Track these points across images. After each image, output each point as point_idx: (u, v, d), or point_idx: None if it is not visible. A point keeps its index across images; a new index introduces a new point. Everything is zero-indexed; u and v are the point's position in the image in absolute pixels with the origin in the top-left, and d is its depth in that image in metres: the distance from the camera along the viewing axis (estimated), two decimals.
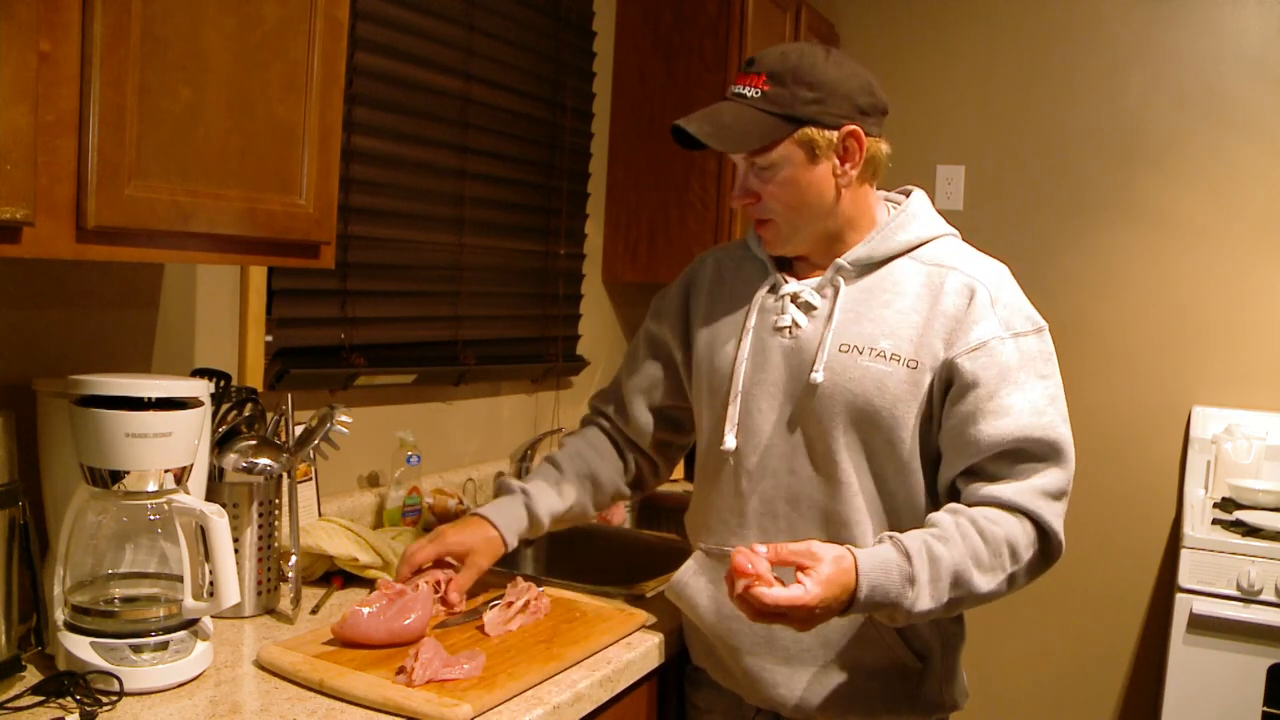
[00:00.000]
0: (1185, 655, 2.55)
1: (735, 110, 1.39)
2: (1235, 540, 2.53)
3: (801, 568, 1.23)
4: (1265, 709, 2.46)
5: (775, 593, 1.19)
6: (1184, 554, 2.57)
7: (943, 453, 1.41)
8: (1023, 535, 1.34)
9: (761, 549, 1.23)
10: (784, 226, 1.44)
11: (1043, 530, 1.35)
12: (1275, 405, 2.99)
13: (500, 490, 1.63)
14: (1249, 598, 2.49)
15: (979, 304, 1.39)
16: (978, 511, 1.33)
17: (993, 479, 1.35)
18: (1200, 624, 2.52)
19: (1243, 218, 3.04)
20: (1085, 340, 3.20)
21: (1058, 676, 3.26)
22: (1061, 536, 1.37)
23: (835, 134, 1.39)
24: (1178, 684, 2.56)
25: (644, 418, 1.66)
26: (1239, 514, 2.67)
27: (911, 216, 1.47)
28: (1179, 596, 2.56)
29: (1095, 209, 3.20)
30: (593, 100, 2.75)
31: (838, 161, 1.40)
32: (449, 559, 1.55)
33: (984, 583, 1.30)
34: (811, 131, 1.38)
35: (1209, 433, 3.01)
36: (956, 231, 1.51)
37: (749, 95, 1.39)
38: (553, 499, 1.61)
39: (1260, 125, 3.00)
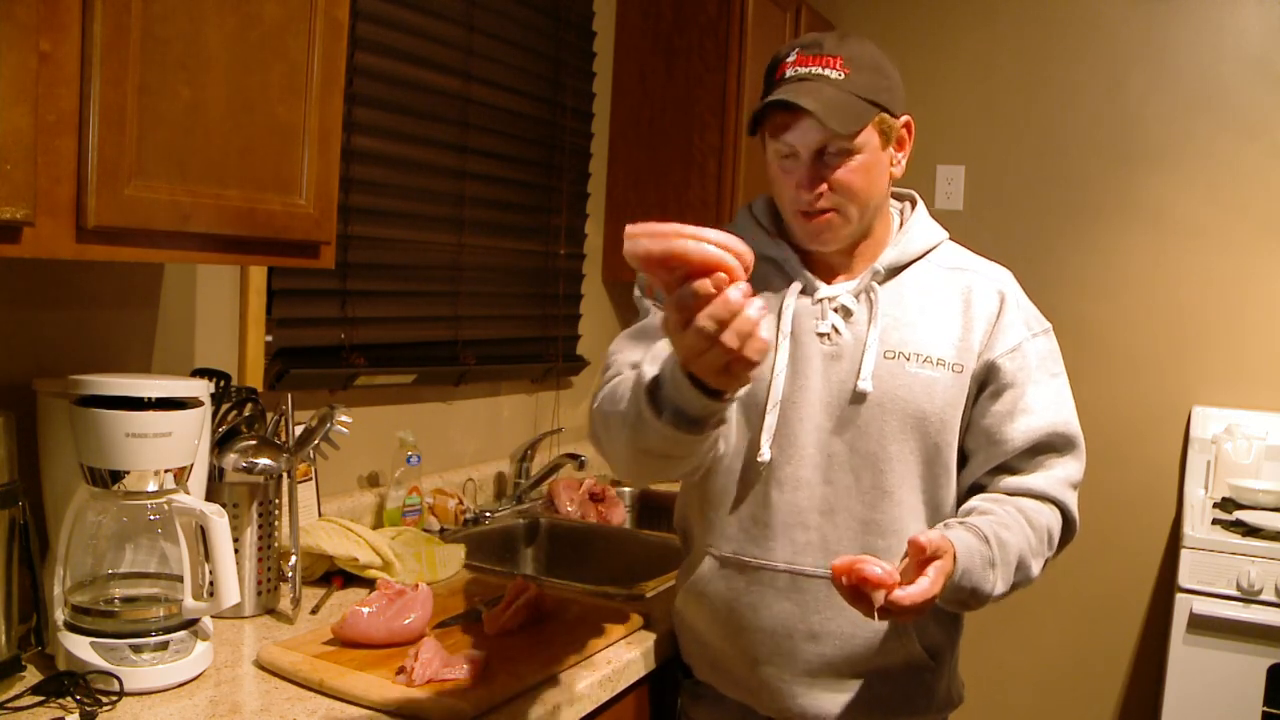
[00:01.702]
0: (1185, 655, 2.54)
1: (829, 91, 1.32)
2: (1235, 540, 2.53)
3: (929, 559, 1.17)
4: (1265, 709, 2.45)
5: (910, 592, 1.14)
6: (1184, 554, 2.57)
7: (970, 451, 1.44)
8: (1056, 523, 1.40)
9: (923, 539, 1.16)
10: (847, 216, 1.38)
11: (1068, 519, 1.43)
12: (1275, 405, 2.99)
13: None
14: (1249, 598, 2.49)
15: (1009, 306, 1.45)
16: (1019, 501, 1.39)
17: (1016, 472, 1.41)
18: (1200, 624, 2.52)
19: (1243, 218, 3.04)
20: (1085, 340, 3.20)
21: (1058, 676, 3.26)
22: (1078, 520, 1.44)
23: (899, 122, 1.41)
24: (1178, 684, 2.56)
25: None
26: (1239, 514, 2.67)
27: (922, 220, 1.50)
28: (1179, 596, 2.56)
29: (1095, 209, 3.20)
30: (593, 100, 2.75)
31: (894, 151, 1.41)
32: None
33: (1036, 567, 1.36)
34: (887, 118, 1.38)
35: (1209, 433, 3.01)
36: (948, 234, 1.53)
37: (833, 77, 1.33)
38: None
39: (1260, 125, 3.00)
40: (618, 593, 1.75)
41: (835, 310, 1.41)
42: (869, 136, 1.35)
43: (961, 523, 1.31)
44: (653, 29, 2.76)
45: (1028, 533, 1.34)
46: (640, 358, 1.33)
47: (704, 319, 0.96)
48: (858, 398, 1.38)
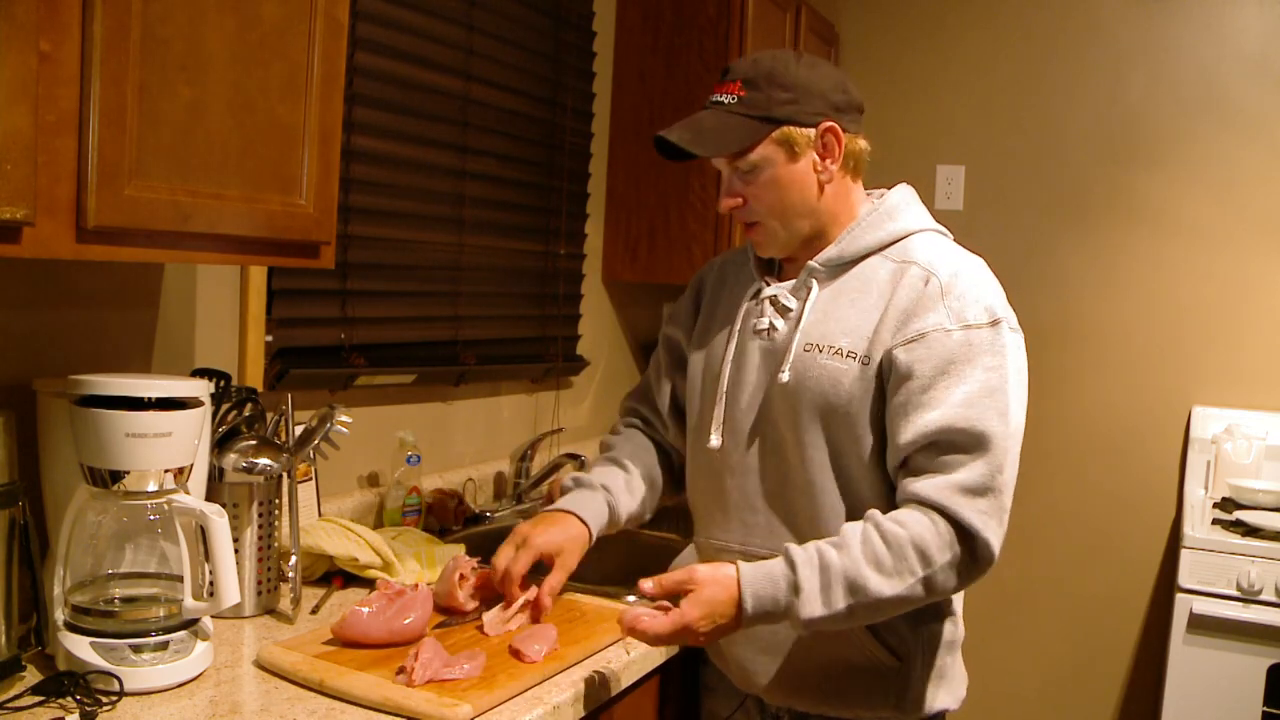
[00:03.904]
0: (1185, 655, 2.55)
1: (714, 117, 1.42)
2: (1235, 540, 2.53)
3: (684, 592, 1.30)
4: (1265, 709, 2.46)
5: (653, 623, 1.28)
6: (1184, 554, 2.57)
7: (882, 446, 1.41)
8: (934, 536, 1.29)
9: (648, 584, 1.32)
10: (771, 228, 1.46)
11: (963, 529, 1.30)
12: (1275, 405, 2.99)
13: (578, 484, 1.60)
14: (1249, 598, 2.49)
15: (929, 295, 1.37)
16: (892, 514, 1.32)
17: (919, 473, 1.33)
18: (1200, 624, 2.52)
19: (1243, 218, 3.04)
20: (1085, 340, 3.20)
21: (1058, 676, 3.26)
22: (987, 535, 1.30)
23: (813, 131, 1.41)
24: (1178, 684, 2.56)
25: (677, 422, 1.65)
26: (1239, 514, 2.67)
27: (885, 215, 1.46)
28: (1179, 596, 2.56)
29: (1096, 209, 3.20)
30: (593, 100, 2.75)
31: (818, 158, 1.42)
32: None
33: (887, 587, 1.28)
34: (790, 130, 1.40)
35: (1209, 433, 3.01)
36: (941, 228, 1.50)
37: (726, 101, 1.42)
38: (628, 499, 1.60)
39: (1260, 125, 3.00)
40: (618, 593, 1.75)
41: (775, 308, 1.48)
42: (768, 151, 1.41)
43: (787, 548, 1.31)
44: (653, 29, 2.76)
45: (878, 551, 1.28)
46: (633, 406, 1.71)
47: None
48: (778, 389, 1.43)
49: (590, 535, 1.54)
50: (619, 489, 1.59)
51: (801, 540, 1.35)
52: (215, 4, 1.21)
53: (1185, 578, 2.56)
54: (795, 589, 1.28)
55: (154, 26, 1.14)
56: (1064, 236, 3.23)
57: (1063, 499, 3.25)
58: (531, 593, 1.54)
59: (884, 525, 1.30)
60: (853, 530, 1.31)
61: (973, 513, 1.30)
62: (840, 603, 1.28)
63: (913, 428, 1.32)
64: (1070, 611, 3.24)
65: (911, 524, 1.30)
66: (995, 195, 3.31)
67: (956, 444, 1.31)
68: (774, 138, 1.40)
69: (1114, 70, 3.16)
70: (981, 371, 1.33)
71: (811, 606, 1.27)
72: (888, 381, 1.37)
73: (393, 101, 2.07)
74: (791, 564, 1.29)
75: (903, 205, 1.48)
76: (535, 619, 1.51)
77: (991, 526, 1.31)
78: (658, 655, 1.57)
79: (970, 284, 1.38)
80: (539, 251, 2.56)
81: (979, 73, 3.32)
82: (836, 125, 1.41)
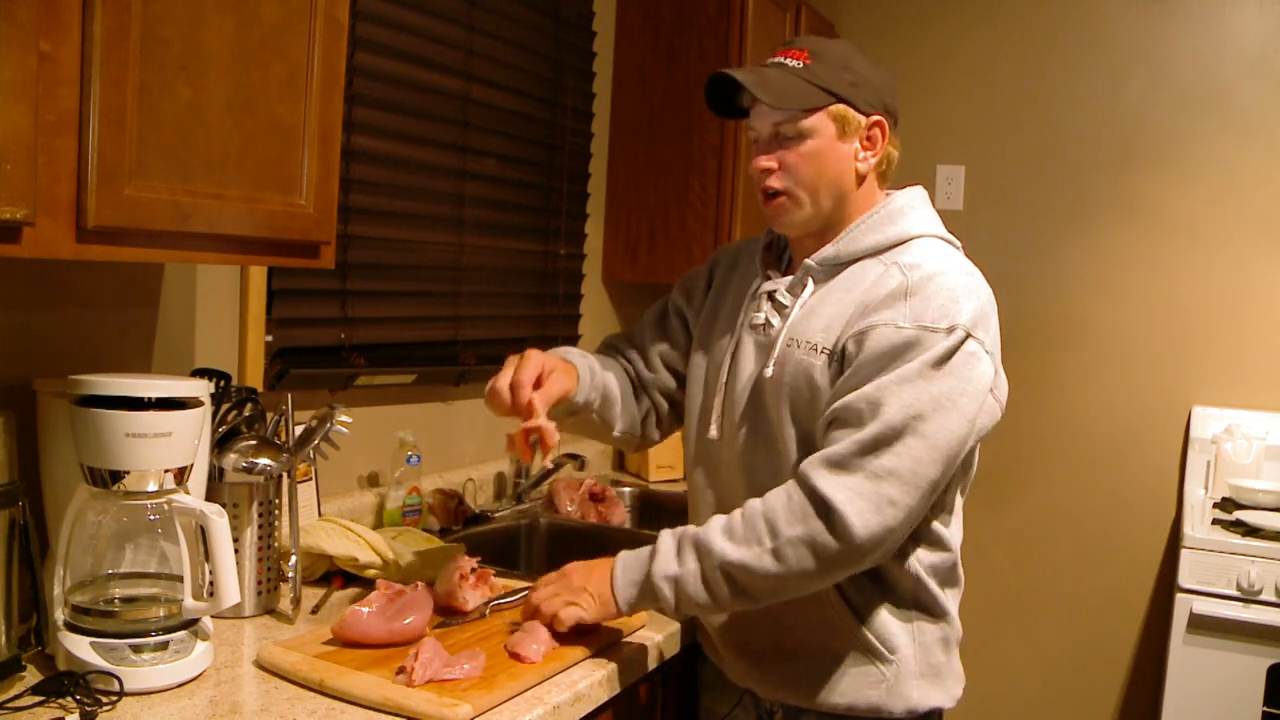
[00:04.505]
0: (1185, 655, 2.55)
1: (779, 74, 1.41)
2: (1235, 540, 2.53)
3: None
4: (1265, 709, 2.46)
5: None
6: (1184, 554, 2.57)
7: None
8: (785, 507, 1.30)
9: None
10: (799, 200, 1.44)
11: (819, 500, 1.28)
12: (1275, 405, 2.99)
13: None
14: (1249, 598, 2.49)
15: (894, 293, 1.36)
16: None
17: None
18: (1200, 624, 2.52)
19: (1243, 218, 3.04)
20: (1085, 340, 3.20)
21: (1058, 676, 3.26)
22: (845, 510, 1.26)
23: (865, 119, 1.44)
24: (1178, 684, 2.56)
25: (664, 371, 1.67)
26: (1239, 514, 2.67)
27: (886, 218, 1.45)
28: (1179, 596, 2.56)
29: (1095, 209, 3.20)
30: (593, 100, 2.75)
31: (860, 147, 1.45)
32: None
33: (732, 551, 1.32)
34: (846, 110, 1.42)
35: (1209, 433, 3.01)
36: (949, 236, 1.48)
37: (790, 65, 1.41)
38: (602, 376, 1.60)
39: (1260, 125, 3.00)
40: None
41: (771, 303, 1.49)
42: (821, 123, 1.42)
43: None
44: (653, 29, 2.77)
45: (732, 521, 1.35)
46: (612, 342, 1.72)
47: None
48: (764, 383, 1.46)
49: (577, 374, 1.54)
50: (592, 364, 1.60)
51: None
52: (215, 4, 1.21)
53: (1185, 578, 2.56)
54: (653, 553, 1.39)
55: (154, 26, 1.14)
56: (1064, 236, 3.23)
57: (1063, 499, 3.25)
58: (533, 423, 1.44)
59: (749, 502, 1.36)
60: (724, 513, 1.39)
61: (832, 485, 1.28)
62: (690, 562, 1.35)
63: (825, 411, 1.36)
64: (1070, 611, 3.24)
65: (771, 497, 1.34)
66: (995, 195, 3.31)
67: (845, 420, 1.31)
68: (831, 111, 1.41)
69: (1114, 70, 3.16)
70: (915, 366, 1.30)
71: (664, 563, 1.37)
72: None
73: (393, 101, 2.07)
74: (656, 537, 1.41)
75: (907, 209, 1.46)
76: (547, 448, 1.44)
77: (856, 505, 1.27)
78: (657, 655, 1.57)
79: (942, 290, 1.34)
80: (539, 251, 2.56)
81: (979, 73, 3.32)
82: (885, 121, 1.45)
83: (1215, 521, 2.67)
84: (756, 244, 1.61)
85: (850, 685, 1.45)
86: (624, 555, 1.43)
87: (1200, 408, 3.05)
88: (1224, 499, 2.87)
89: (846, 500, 1.27)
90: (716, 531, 1.35)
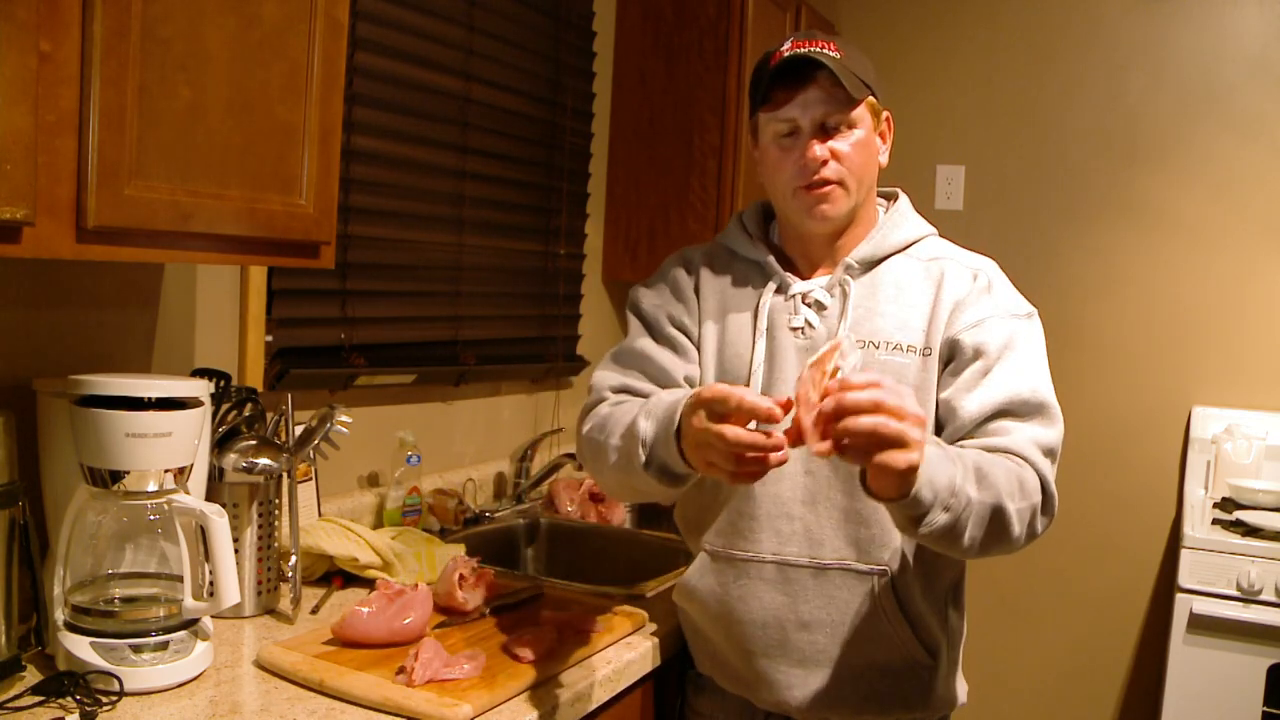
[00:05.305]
0: (1185, 655, 2.54)
1: (835, 61, 1.37)
2: (1235, 540, 2.53)
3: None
4: (1265, 709, 2.45)
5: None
6: (1184, 554, 2.57)
7: (938, 429, 1.41)
8: (1030, 476, 1.32)
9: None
10: (851, 189, 1.43)
11: (1042, 481, 1.35)
12: (1275, 405, 2.99)
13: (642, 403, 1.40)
14: (1249, 598, 2.49)
15: (979, 287, 1.44)
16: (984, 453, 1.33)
17: (995, 435, 1.37)
18: (1200, 624, 2.52)
19: (1243, 218, 3.04)
20: (1085, 340, 3.20)
21: (1058, 676, 3.26)
22: (1055, 491, 1.36)
23: (885, 113, 1.48)
24: (1178, 684, 2.56)
25: (681, 382, 1.49)
26: (1239, 514, 2.67)
27: (903, 216, 1.51)
28: (1179, 596, 2.56)
29: (1095, 209, 3.20)
30: (593, 100, 2.75)
31: (879, 140, 1.47)
32: None
33: (1012, 506, 1.26)
34: (875, 102, 1.45)
35: (1209, 433, 3.00)
36: (936, 231, 1.54)
37: (832, 55, 1.38)
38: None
39: (1260, 125, 3.00)
40: (618, 593, 1.75)
41: (808, 305, 1.46)
42: (863, 114, 1.43)
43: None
44: (653, 29, 2.76)
45: (999, 464, 1.28)
46: (620, 381, 1.48)
47: (723, 459, 1.14)
48: None
49: None
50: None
51: (843, 541, 1.40)
52: (215, 4, 1.21)
53: (1185, 578, 2.56)
54: (954, 460, 1.22)
55: (154, 26, 1.14)
56: (1064, 236, 3.23)
57: (1063, 499, 3.17)
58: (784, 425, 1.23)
59: (992, 456, 1.32)
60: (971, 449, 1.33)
61: (1046, 468, 1.36)
62: (988, 499, 1.23)
63: (976, 404, 1.37)
64: (1070, 611, 3.23)
65: (1010, 463, 1.32)
66: (995, 195, 3.31)
67: (1017, 412, 1.37)
68: (869, 103, 1.43)
69: (1114, 70, 3.16)
70: (1028, 358, 1.42)
71: (973, 489, 1.22)
72: (946, 367, 1.42)
73: (393, 101, 2.07)
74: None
75: (910, 210, 1.53)
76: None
77: (1053, 482, 1.36)
78: (657, 655, 1.57)
79: (1005, 281, 1.49)
80: (539, 251, 2.56)
81: (979, 72, 3.32)
82: (890, 117, 1.49)
83: (1215, 521, 2.67)
84: (721, 250, 1.54)
85: (895, 694, 1.44)
86: (930, 451, 1.17)
87: (1200, 408, 3.05)
88: (1224, 499, 2.87)
89: (1052, 481, 1.37)
90: (1001, 481, 1.26)
